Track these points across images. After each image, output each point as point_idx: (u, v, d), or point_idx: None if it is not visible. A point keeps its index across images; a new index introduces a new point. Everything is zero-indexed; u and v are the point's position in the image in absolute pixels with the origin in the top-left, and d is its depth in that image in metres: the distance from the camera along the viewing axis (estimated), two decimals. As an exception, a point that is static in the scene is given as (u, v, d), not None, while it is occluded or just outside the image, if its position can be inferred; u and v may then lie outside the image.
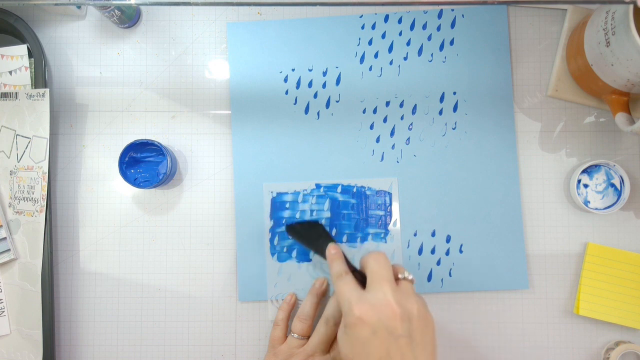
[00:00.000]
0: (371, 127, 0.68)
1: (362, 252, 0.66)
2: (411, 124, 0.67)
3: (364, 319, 0.50)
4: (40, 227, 0.64)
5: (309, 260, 0.67)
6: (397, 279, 0.54)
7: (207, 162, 0.68)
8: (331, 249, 0.59)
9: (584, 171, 0.66)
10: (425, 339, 0.51)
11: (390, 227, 0.67)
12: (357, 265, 0.60)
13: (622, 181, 0.65)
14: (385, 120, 0.68)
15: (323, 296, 0.65)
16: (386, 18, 0.68)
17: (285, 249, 0.67)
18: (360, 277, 0.56)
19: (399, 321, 0.49)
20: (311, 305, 0.63)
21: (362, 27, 0.68)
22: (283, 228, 0.67)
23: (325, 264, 0.66)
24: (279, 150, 0.68)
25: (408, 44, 0.68)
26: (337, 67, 0.68)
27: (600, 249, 0.66)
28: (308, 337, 0.62)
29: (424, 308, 0.53)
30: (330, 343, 0.62)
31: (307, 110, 0.68)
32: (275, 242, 0.67)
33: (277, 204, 0.67)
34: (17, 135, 0.65)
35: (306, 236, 0.64)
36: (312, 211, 0.67)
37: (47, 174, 0.64)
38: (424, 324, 0.51)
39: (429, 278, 0.66)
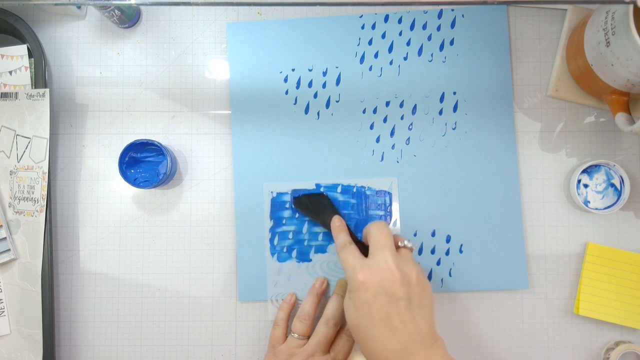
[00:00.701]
0: (371, 127, 0.68)
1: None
2: (411, 124, 0.67)
3: (366, 283, 0.53)
4: (40, 227, 0.64)
5: (309, 260, 0.67)
6: (397, 247, 0.57)
7: (207, 162, 0.68)
8: (336, 221, 0.62)
9: (584, 171, 0.66)
10: (423, 302, 0.54)
11: (390, 227, 0.67)
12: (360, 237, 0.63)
13: (622, 181, 0.65)
14: (385, 120, 0.68)
15: (323, 296, 0.65)
16: (386, 18, 0.68)
17: (285, 249, 0.67)
18: (363, 248, 0.59)
19: (398, 285, 0.53)
20: (311, 305, 0.63)
21: (362, 27, 0.68)
22: (283, 228, 0.67)
23: (324, 262, 0.66)
24: (279, 150, 0.68)
25: (408, 44, 0.68)
26: (337, 67, 0.68)
27: (600, 249, 0.66)
28: (308, 337, 0.62)
29: (422, 274, 0.56)
30: (330, 343, 0.62)
31: (307, 110, 0.68)
32: (275, 242, 0.67)
33: (277, 204, 0.67)
34: (17, 135, 0.65)
35: (312, 208, 0.65)
36: (312, 211, 0.67)
37: (47, 174, 0.64)
38: (421, 288, 0.54)
39: (429, 278, 0.66)
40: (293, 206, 0.66)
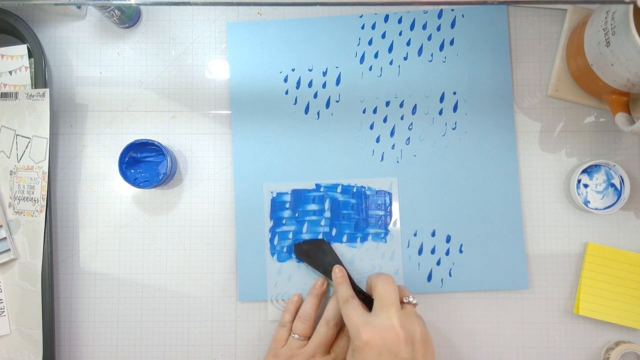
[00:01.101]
0: (371, 127, 0.68)
1: (362, 252, 0.66)
2: (411, 124, 0.67)
3: (369, 343, 0.53)
4: (40, 227, 0.64)
5: (309, 260, 0.67)
6: (401, 302, 0.57)
7: (207, 162, 0.68)
8: (337, 271, 0.62)
9: (584, 171, 0.66)
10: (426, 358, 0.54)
11: (390, 227, 0.67)
12: (361, 284, 0.64)
13: (622, 181, 0.65)
14: (385, 120, 0.68)
15: (323, 297, 0.65)
16: (386, 18, 0.68)
17: (285, 249, 0.67)
18: (363, 298, 0.60)
19: (402, 345, 0.53)
20: (312, 306, 0.63)
21: (362, 27, 0.68)
22: (283, 228, 0.67)
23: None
24: (279, 150, 0.68)
25: (408, 44, 0.68)
26: (337, 67, 0.68)
27: (600, 249, 0.66)
28: (309, 338, 0.62)
29: (425, 330, 0.56)
30: (331, 344, 0.62)
31: (307, 110, 0.68)
32: (275, 242, 0.67)
33: (277, 204, 0.67)
34: (17, 135, 0.65)
35: (313, 256, 0.65)
36: (312, 211, 0.67)
37: (47, 174, 0.64)
38: (425, 345, 0.54)
39: (429, 278, 0.66)
40: (294, 254, 0.67)
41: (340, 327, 0.63)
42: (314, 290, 0.65)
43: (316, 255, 0.65)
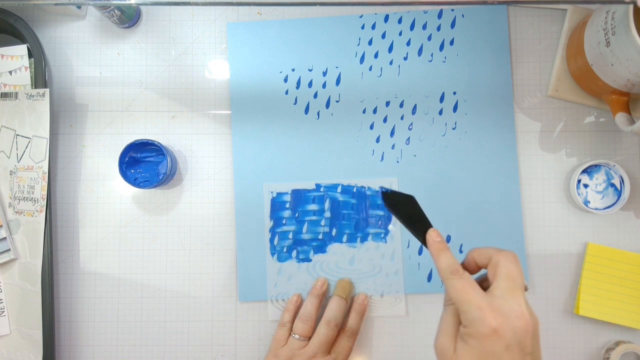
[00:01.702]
0: (371, 127, 0.68)
1: (362, 252, 0.66)
2: (411, 124, 0.67)
3: (499, 332, 0.43)
4: (40, 227, 0.64)
5: (309, 260, 0.67)
6: None
7: (207, 162, 0.68)
8: (434, 235, 0.50)
9: (584, 171, 0.66)
10: (540, 355, 0.46)
11: (390, 227, 0.67)
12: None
13: (622, 181, 0.65)
14: (385, 120, 0.68)
15: (324, 297, 0.65)
16: (386, 18, 0.68)
17: (285, 249, 0.67)
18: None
19: (530, 337, 0.44)
20: (313, 306, 0.63)
21: (362, 27, 0.68)
22: (283, 228, 0.67)
23: (324, 262, 0.66)
24: (279, 150, 0.68)
25: (408, 44, 0.68)
26: (337, 67, 0.68)
27: (600, 249, 0.66)
28: (309, 338, 0.62)
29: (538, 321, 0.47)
30: (331, 344, 0.62)
31: (307, 110, 0.68)
32: (275, 242, 0.67)
33: (277, 204, 0.67)
34: (17, 135, 0.65)
35: (402, 210, 0.53)
36: (312, 211, 0.67)
37: (47, 174, 0.64)
38: (539, 338, 0.46)
39: (429, 278, 0.66)
40: (382, 200, 0.54)
41: (341, 328, 0.63)
42: (314, 290, 0.65)
43: (405, 210, 0.53)
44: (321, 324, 0.62)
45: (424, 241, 0.51)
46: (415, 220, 0.52)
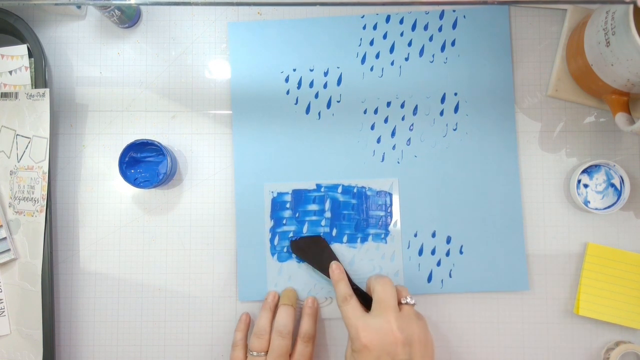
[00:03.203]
0: (372, 127, 0.68)
1: (362, 252, 0.66)
2: (412, 124, 0.67)
3: (368, 346, 0.54)
4: (40, 227, 0.64)
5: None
6: (399, 303, 0.58)
7: (207, 162, 0.68)
8: (334, 268, 0.63)
9: (584, 171, 0.66)
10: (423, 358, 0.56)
11: (391, 227, 0.67)
12: (361, 284, 0.63)
13: (622, 181, 0.65)
14: (386, 120, 0.68)
15: (276, 309, 0.64)
16: (388, 18, 0.68)
17: (285, 249, 0.67)
18: (361, 295, 0.61)
19: (400, 347, 0.54)
20: (266, 320, 0.63)
21: (364, 28, 0.68)
22: (283, 228, 0.67)
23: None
24: (280, 150, 0.67)
25: (409, 44, 0.68)
26: (338, 68, 0.68)
27: (600, 249, 0.66)
28: (267, 353, 0.61)
29: (425, 330, 0.57)
30: (289, 353, 0.61)
31: (308, 111, 0.68)
32: (276, 242, 0.67)
33: (278, 204, 0.67)
34: (17, 135, 0.65)
35: (309, 252, 0.65)
36: (312, 211, 0.67)
37: (47, 174, 0.64)
38: (424, 347, 0.56)
39: (429, 279, 0.66)
40: (290, 250, 0.66)
41: (297, 336, 0.63)
42: (266, 304, 0.64)
43: (313, 252, 0.65)
44: (273, 336, 0.61)
45: (327, 273, 0.63)
46: (324, 254, 0.65)
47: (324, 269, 0.64)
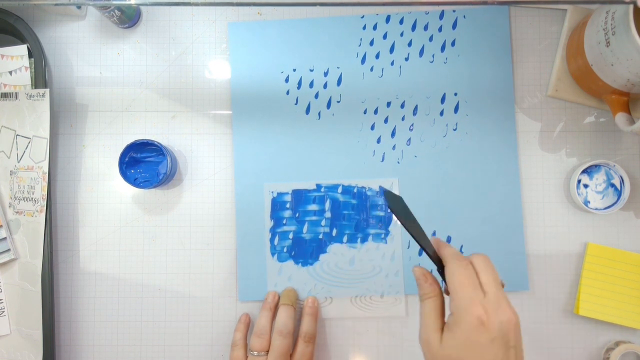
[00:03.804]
0: (372, 127, 0.68)
1: (363, 252, 0.66)
2: (412, 124, 0.67)
3: (486, 324, 0.45)
4: (40, 227, 0.64)
5: (309, 260, 0.67)
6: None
7: (207, 162, 0.68)
8: (435, 239, 0.52)
9: (584, 171, 0.66)
10: (522, 349, 0.48)
11: (391, 227, 0.67)
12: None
13: (622, 181, 0.65)
14: (386, 120, 0.68)
15: (276, 309, 0.64)
16: (388, 19, 0.68)
17: (285, 249, 0.67)
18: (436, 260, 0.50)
19: (513, 331, 0.46)
20: (267, 319, 0.63)
21: (364, 28, 0.68)
22: (283, 228, 0.67)
23: (324, 262, 0.66)
24: (280, 151, 0.67)
25: (409, 44, 0.68)
26: (338, 68, 0.68)
27: (600, 249, 0.66)
28: (267, 352, 0.61)
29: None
30: (290, 352, 0.61)
31: (308, 111, 0.68)
32: (276, 242, 0.67)
33: (278, 204, 0.67)
34: (17, 135, 0.65)
35: (401, 213, 0.51)
36: (312, 211, 0.67)
37: (47, 174, 0.64)
38: (520, 333, 0.47)
39: (430, 278, 0.66)
40: (384, 197, 0.56)
41: (297, 335, 0.63)
42: (266, 304, 0.65)
43: (405, 211, 0.52)
44: (274, 336, 0.61)
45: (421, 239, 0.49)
46: (412, 220, 0.51)
47: (420, 236, 0.50)
